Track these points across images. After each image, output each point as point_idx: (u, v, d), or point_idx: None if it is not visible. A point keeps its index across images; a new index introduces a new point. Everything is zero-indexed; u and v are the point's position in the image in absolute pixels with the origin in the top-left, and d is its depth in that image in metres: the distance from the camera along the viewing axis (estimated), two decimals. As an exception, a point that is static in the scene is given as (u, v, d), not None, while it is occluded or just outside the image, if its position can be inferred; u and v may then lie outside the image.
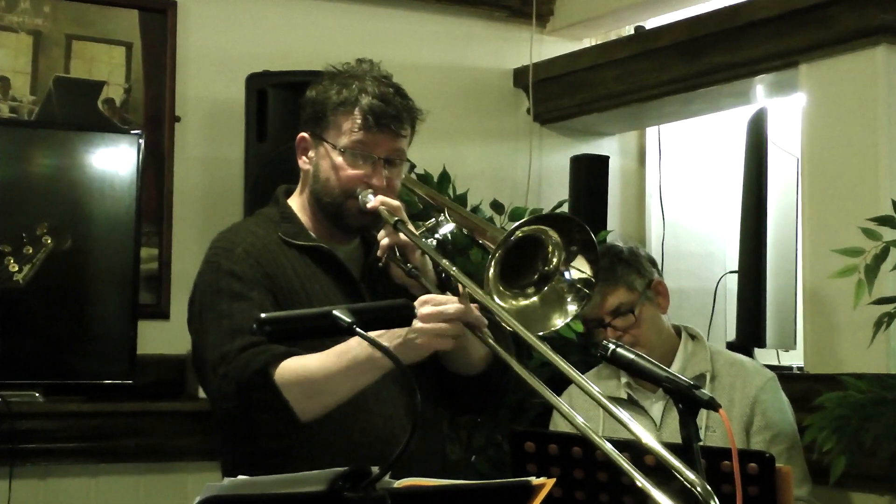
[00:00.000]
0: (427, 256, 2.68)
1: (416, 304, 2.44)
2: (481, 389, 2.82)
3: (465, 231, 2.85)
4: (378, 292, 2.77)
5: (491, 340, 2.53)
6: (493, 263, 2.51)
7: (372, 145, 2.73)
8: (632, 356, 2.30)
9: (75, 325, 4.41)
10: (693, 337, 3.61)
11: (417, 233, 2.74)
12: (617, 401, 3.53)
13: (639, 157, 5.87)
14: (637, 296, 3.53)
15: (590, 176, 5.29)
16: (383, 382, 2.63)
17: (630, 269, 3.57)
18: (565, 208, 5.02)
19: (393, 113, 2.73)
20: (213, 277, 2.72)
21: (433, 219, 2.81)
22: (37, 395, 4.30)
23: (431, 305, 2.48)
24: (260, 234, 2.78)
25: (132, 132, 4.63)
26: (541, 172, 5.61)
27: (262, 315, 2.16)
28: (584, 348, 4.42)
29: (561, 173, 5.46)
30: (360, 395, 2.60)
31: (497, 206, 4.86)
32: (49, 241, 4.01)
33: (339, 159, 2.73)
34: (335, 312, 2.12)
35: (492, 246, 2.59)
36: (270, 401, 2.53)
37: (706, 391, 2.18)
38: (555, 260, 2.59)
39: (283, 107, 4.53)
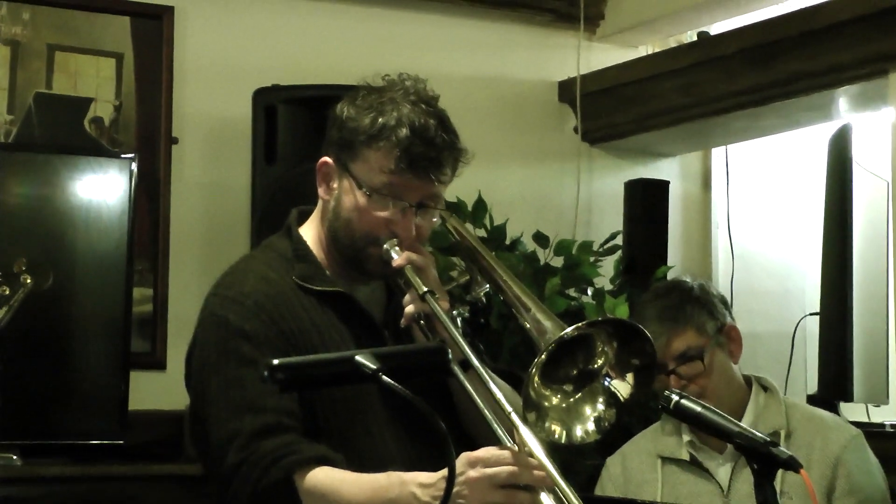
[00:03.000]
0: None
1: (463, 460, 2.42)
2: None
3: (500, 297, 2.82)
4: (403, 340, 2.77)
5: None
6: (535, 370, 2.49)
7: (404, 190, 2.70)
8: (698, 408, 2.30)
9: (58, 377, 4.41)
10: (765, 388, 3.60)
11: (448, 287, 2.75)
12: (678, 462, 3.53)
13: (703, 181, 5.86)
14: (707, 340, 3.52)
15: (647, 203, 5.29)
16: (412, 450, 2.64)
17: (701, 309, 3.56)
18: (619, 240, 5.02)
19: (433, 156, 2.68)
20: (219, 335, 2.70)
21: (468, 275, 2.81)
22: (14, 457, 4.30)
23: (481, 467, 2.40)
24: (272, 280, 2.76)
25: (123, 156, 4.64)
26: (590, 199, 5.61)
27: (275, 361, 2.17)
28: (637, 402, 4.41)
29: (614, 200, 5.46)
30: (384, 464, 2.60)
31: (540, 239, 4.86)
32: (28, 281, 4.03)
33: (364, 200, 2.71)
34: (358, 358, 2.13)
35: (534, 333, 2.59)
36: None
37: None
38: (600, 360, 2.58)
39: (294, 125, 4.55)
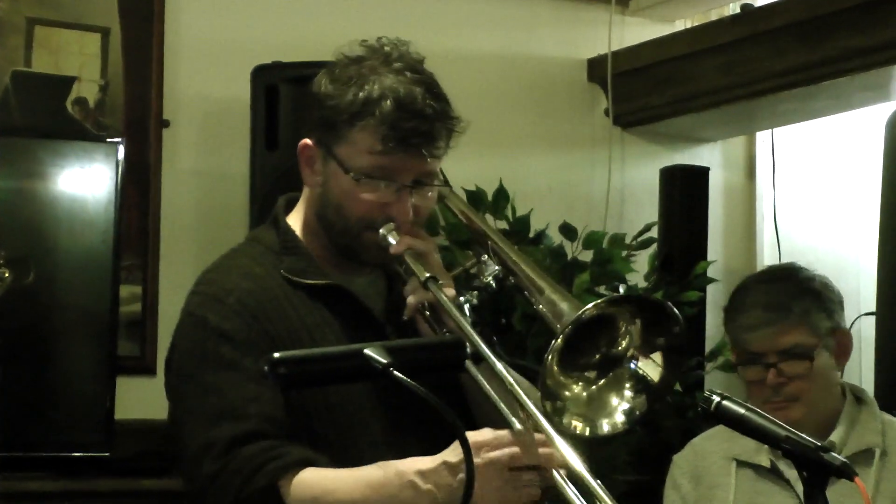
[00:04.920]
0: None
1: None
2: None
3: (511, 280, 2.81)
4: (407, 334, 2.73)
5: (561, 480, 2.44)
6: (552, 356, 2.48)
7: (396, 170, 2.67)
8: (742, 410, 2.29)
9: (38, 383, 4.41)
10: (860, 399, 3.55)
11: (454, 273, 2.73)
12: (757, 469, 3.47)
13: (747, 168, 5.85)
14: (818, 341, 3.47)
15: (685, 193, 5.28)
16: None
17: (820, 305, 3.49)
18: (654, 233, 5.00)
19: (424, 129, 2.65)
20: (197, 336, 2.69)
21: (475, 258, 2.80)
22: (-10, 470, 4.32)
23: (484, 453, 2.41)
24: (257, 275, 2.74)
25: (109, 140, 4.65)
26: (623, 188, 5.60)
27: (276, 354, 2.16)
28: (680, 410, 4.40)
29: (648, 189, 5.45)
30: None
31: (568, 231, 4.84)
32: (7, 275, 4.03)
33: (352, 185, 2.68)
34: (368, 351, 2.13)
35: (550, 317, 2.58)
36: None
37: (873, 470, 2.17)
38: (624, 343, 2.58)
39: (298, 107, 4.53)
